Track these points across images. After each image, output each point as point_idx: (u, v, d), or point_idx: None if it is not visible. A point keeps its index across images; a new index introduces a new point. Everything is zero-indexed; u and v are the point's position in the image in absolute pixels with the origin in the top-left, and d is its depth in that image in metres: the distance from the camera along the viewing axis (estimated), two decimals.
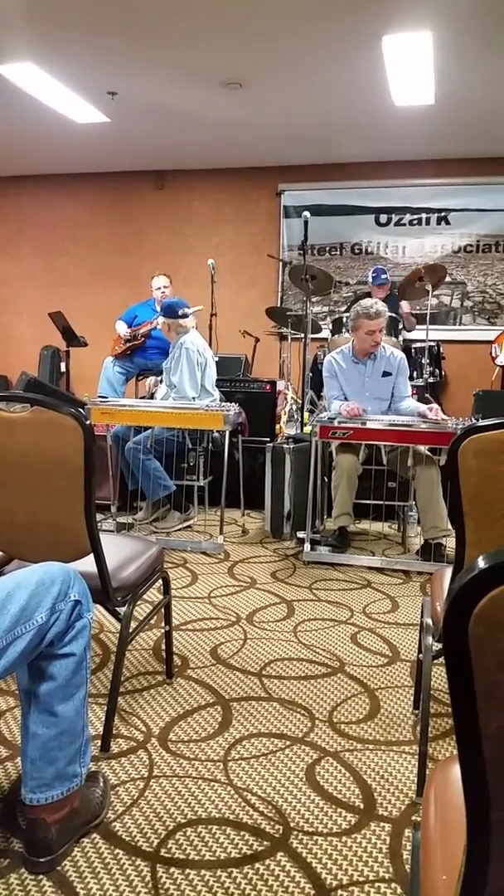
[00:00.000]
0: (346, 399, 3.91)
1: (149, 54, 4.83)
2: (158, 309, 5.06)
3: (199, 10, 4.18)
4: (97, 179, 7.99)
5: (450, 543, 3.70)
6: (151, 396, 4.81)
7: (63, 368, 6.87)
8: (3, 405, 1.86)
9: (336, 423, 3.63)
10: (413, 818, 1.70)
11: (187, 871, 1.51)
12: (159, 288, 5.57)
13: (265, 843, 1.60)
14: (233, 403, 4.03)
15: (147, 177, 7.84)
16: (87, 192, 8.05)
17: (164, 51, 4.77)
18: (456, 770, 1.10)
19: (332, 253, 7.49)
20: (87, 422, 1.74)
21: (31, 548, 1.91)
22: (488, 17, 4.17)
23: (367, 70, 4.96)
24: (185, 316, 4.30)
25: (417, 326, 6.20)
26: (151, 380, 5.02)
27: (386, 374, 3.96)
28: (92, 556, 1.84)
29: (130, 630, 2.03)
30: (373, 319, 3.79)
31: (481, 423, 1.64)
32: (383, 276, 5.97)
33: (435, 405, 3.80)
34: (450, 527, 3.56)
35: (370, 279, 6.07)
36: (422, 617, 2.02)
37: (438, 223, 7.18)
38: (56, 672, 1.48)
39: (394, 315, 4.67)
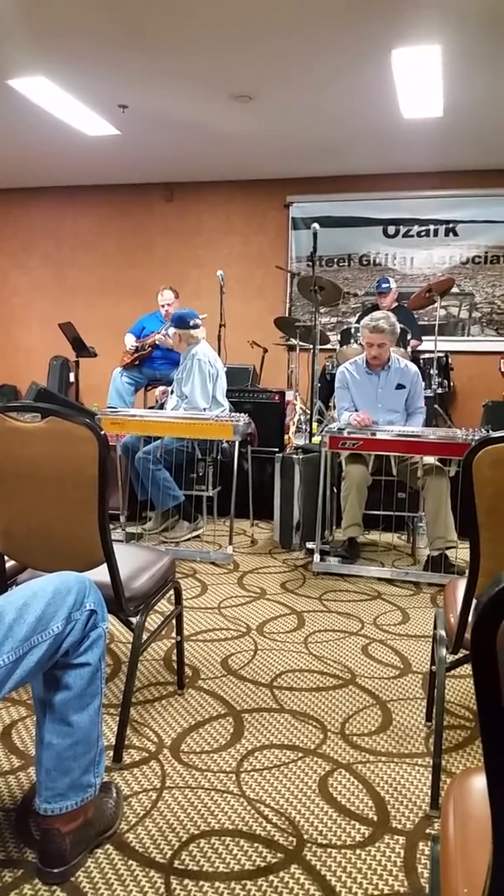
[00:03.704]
0: (356, 411, 3.91)
1: (159, 67, 4.87)
2: (166, 322, 5.09)
3: (210, 23, 4.22)
4: (107, 191, 8.05)
5: (454, 555, 3.69)
6: (161, 406, 4.82)
7: (72, 379, 6.90)
8: (16, 415, 1.87)
9: (346, 434, 3.64)
10: (427, 831, 1.69)
11: (201, 882, 1.50)
12: (163, 305, 5.62)
13: (279, 855, 1.60)
14: (242, 414, 4.04)
15: (156, 189, 7.89)
16: (97, 203, 8.11)
17: (175, 64, 4.81)
18: (475, 782, 1.10)
19: (341, 264, 7.51)
20: (102, 432, 1.74)
21: (45, 557, 1.91)
22: (497, 30, 4.20)
23: (376, 83, 4.99)
24: (195, 326, 4.32)
25: (426, 337, 6.22)
26: (160, 390, 5.04)
27: (400, 386, 3.96)
28: (105, 565, 1.85)
29: (143, 640, 2.03)
30: (372, 333, 3.79)
31: (496, 434, 1.65)
32: (384, 286, 6.02)
33: None
34: (455, 538, 3.55)
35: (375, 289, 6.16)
36: (435, 629, 2.01)
37: (446, 235, 7.20)
38: (71, 682, 1.48)
39: (403, 327, 4.68)
